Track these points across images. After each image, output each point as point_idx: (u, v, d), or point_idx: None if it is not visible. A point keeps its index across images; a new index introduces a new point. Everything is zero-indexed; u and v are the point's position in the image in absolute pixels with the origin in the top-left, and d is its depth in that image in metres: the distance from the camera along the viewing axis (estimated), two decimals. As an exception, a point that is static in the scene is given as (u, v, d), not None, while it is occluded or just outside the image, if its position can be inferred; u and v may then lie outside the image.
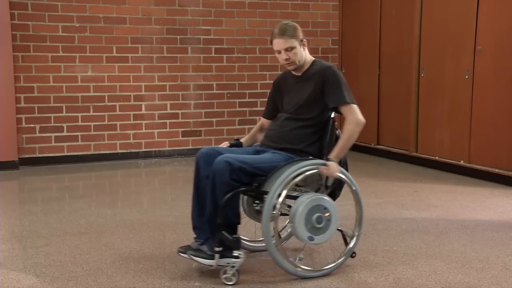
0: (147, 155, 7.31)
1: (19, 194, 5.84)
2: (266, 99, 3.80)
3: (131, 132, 7.23)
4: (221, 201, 3.13)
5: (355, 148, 7.80)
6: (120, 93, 7.13)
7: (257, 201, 3.38)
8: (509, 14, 5.60)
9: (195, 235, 3.39)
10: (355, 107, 3.36)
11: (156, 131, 7.34)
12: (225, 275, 3.20)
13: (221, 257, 3.17)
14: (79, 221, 4.51)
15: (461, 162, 6.19)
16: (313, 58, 3.50)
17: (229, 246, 3.17)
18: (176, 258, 3.61)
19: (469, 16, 5.98)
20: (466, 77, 6.04)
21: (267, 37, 8.11)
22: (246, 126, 7.55)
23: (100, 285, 3.22)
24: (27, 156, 6.77)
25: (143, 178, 6.54)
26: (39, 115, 6.82)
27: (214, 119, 7.57)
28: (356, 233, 3.46)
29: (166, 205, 5.09)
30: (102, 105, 7.06)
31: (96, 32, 6.96)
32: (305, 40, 3.42)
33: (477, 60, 5.93)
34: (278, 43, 3.37)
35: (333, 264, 3.38)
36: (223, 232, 3.14)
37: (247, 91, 7.55)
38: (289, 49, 3.35)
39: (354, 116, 3.34)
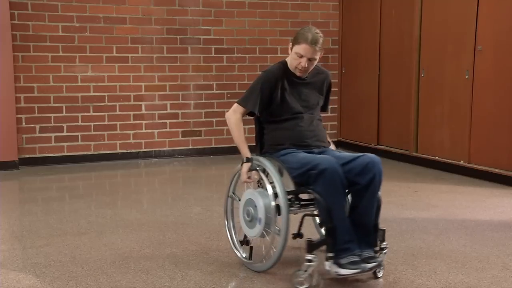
0: (147, 155, 7.31)
1: (19, 194, 5.84)
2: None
3: (131, 132, 7.23)
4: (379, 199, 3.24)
5: (355, 148, 7.82)
6: (120, 93, 7.13)
7: None
8: (509, 14, 5.60)
9: (345, 248, 3.11)
10: None
11: (156, 131, 7.34)
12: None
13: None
14: (79, 221, 4.51)
15: (461, 162, 6.19)
16: None
17: None
18: (176, 258, 3.62)
19: (469, 16, 5.98)
20: (466, 77, 6.04)
21: (267, 37, 8.05)
22: (246, 126, 7.48)
23: (100, 285, 3.23)
24: (27, 156, 6.77)
25: (143, 178, 6.54)
26: (39, 115, 6.82)
27: (214, 119, 7.57)
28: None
29: (166, 205, 5.09)
30: (102, 105, 7.06)
31: (96, 32, 6.96)
32: (323, 51, 3.43)
33: (477, 60, 5.93)
34: (308, 51, 3.32)
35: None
36: (380, 229, 3.29)
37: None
38: (313, 59, 3.38)
39: None
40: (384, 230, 3.28)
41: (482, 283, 3.24)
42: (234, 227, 3.63)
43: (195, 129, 7.52)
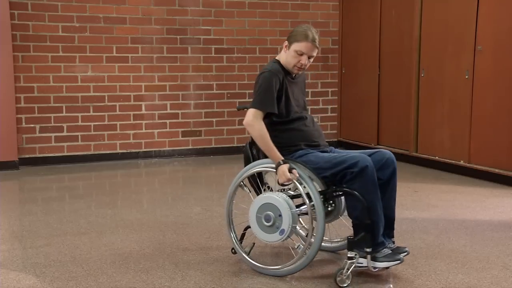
0: (147, 155, 7.31)
1: (19, 194, 5.84)
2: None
3: (131, 132, 7.23)
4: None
5: (355, 148, 7.82)
6: (120, 93, 7.13)
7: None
8: (509, 14, 5.60)
9: (380, 242, 3.26)
10: None
11: (156, 131, 7.34)
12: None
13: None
14: (79, 221, 4.51)
15: (461, 162, 6.19)
16: None
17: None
18: (176, 258, 3.62)
19: (469, 16, 5.98)
20: (466, 77, 6.04)
21: (267, 37, 8.07)
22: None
23: (100, 285, 3.23)
24: (27, 156, 6.77)
25: (143, 178, 6.54)
26: (39, 115, 6.82)
27: (214, 119, 7.57)
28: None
29: (166, 205, 5.09)
30: (102, 105, 7.06)
31: (96, 32, 6.96)
32: None
33: (477, 60, 5.93)
34: (309, 48, 3.36)
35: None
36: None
37: (247, 91, 7.54)
38: (311, 57, 3.41)
39: None
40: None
41: (482, 283, 3.24)
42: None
43: (195, 129, 7.52)
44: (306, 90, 3.85)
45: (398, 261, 3.23)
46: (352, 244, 3.17)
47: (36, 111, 6.80)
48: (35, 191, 5.79)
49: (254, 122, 3.35)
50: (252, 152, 3.51)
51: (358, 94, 7.72)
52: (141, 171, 6.80)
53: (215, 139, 7.60)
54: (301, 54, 3.35)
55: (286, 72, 3.45)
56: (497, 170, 5.78)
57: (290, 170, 3.19)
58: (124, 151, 7.22)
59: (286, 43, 3.42)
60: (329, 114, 8.08)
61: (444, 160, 6.43)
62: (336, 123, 8.14)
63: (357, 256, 3.17)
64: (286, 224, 3.20)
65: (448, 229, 4.28)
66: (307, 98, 3.79)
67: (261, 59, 7.63)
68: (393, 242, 3.37)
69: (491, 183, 5.74)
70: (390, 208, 3.37)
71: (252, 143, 3.51)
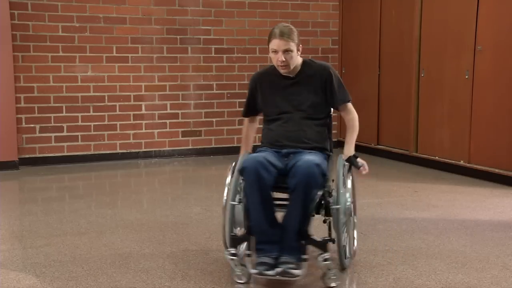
0: (147, 155, 7.31)
1: (19, 194, 5.84)
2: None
3: (131, 132, 7.23)
4: (312, 206, 3.13)
5: (355, 148, 7.80)
6: (120, 93, 7.13)
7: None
8: (509, 14, 5.60)
9: (259, 249, 3.15)
10: (351, 104, 3.64)
11: (156, 131, 7.34)
12: (327, 278, 3.13)
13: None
14: (79, 221, 4.51)
15: (461, 162, 6.19)
16: (302, 59, 3.52)
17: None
18: (176, 258, 3.62)
19: (469, 16, 5.98)
20: (466, 77, 6.04)
21: (267, 37, 8.06)
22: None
23: (100, 285, 3.22)
24: (27, 156, 6.77)
25: (143, 178, 6.54)
26: (39, 115, 6.82)
27: (214, 119, 7.57)
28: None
29: (166, 205, 5.09)
30: (102, 105, 7.06)
31: (96, 32, 6.96)
32: (301, 46, 3.44)
33: (477, 60, 5.93)
34: (278, 44, 3.35)
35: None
36: (312, 237, 3.15)
37: (247, 91, 7.52)
38: (287, 51, 3.35)
39: (354, 114, 3.62)
40: (325, 242, 3.14)
41: (482, 283, 3.24)
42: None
43: (195, 129, 7.52)
44: None
45: (266, 272, 3.02)
46: (233, 241, 3.19)
47: (36, 111, 6.80)
48: (35, 191, 5.79)
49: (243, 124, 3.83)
50: None
51: (358, 94, 7.70)
52: (141, 171, 6.80)
53: (215, 139, 7.60)
54: (275, 52, 3.37)
55: (277, 73, 3.49)
56: (497, 170, 5.78)
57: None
58: (124, 151, 7.22)
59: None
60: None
61: (444, 160, 6.43)
62: (336, 123, 8.10)
63: (238, 255, 3.17)
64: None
65: (448, 229, 4.27)
66: None
67: (261, 59, 7.63)
68: (300, 259, 3.09)
69: (491, 183, 5.74)
70: (291, 219, 3.13)
71: None
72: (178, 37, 7.32)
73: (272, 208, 3.20)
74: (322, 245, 3.14)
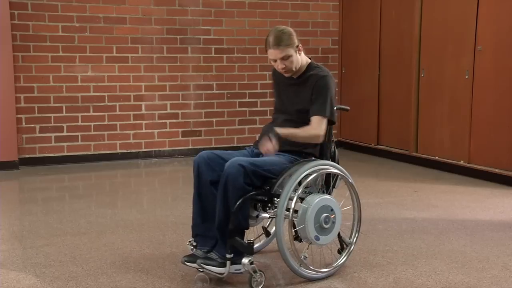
0: (147, 155, 7.31)
1: (19, 194, 5.84)
2: (266, 99, 3.79)
3: (131, 132, 7.23)
4: (234, 206, 3.06)
5: (355, 148, 7.83)
6: (120, 93, 7.13)
7: (269, 205, 3.27)
8: (509, 14, 5.60)
9: (194, 243, 3.30)
10: (325, 121, 3.33)
11: (156, 131, 7.34)
12: (254, 280, 3.13)
13: (232, 263, 3.11)
14: (79, 221, 4.51)
15: (461, 162, 6.19)
16: (309, 60, 3.45)
17: (239, 252, 3.10)
18: (176, 258, 3.61)
19: (469, 16, 5.99)
20: (466, 77, 6.04)
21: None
22: (246, 126, 7.55)
23: (100, 285, 3.23)
24: (27, 156, 6.77)
25: (143, 178, 6.54)
26: (39, 115, 6.82)
27: (214, 119, 7.57)
28: (354, 239, 3.49)
29: (166, 205, 5.09)
30: (102, 105, 7.06)
31: (96, 32, 6.96)
32: (300, 45, 3.36)
33: (477, 60, 5.93)
34: (274, 54, 3.30)
35: (331, 268, 3.38)
36: (236, 238, 3.08)
37: (247, 91, 7.54)
38: (285, 57, 3.30)
39: (319, 129, 3.31)
40: (251, 245, 3.11)
41: (482, 283, 3.24)
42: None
43: (195, 129, 7.52)
44: None
45: (188, 264, 3.25)
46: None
47: (36, 111, 6.80)
48: (35, 191, 5.79)
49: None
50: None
51: (358, 94, 7.72)
52: (141, 171, 6.80)
53: (215, 139, 7.59)
54: (275, 61, 3.35)
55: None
56: (497, 170, 5.78)
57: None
58: (124, 151, 7.22)
59: None
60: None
61: (444, 160, 6.43)
62: (336, 123, 8.13)
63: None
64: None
65: (448, 229, 4.28)
66: None
67: (261, 59, 7.63)
68: (224, 257, 3.12)
69: (491, 183, 5.74)
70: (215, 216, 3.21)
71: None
72: (178, 37, 7.32)
73: (209, 203, 3.24)
74: (247, 248, 3.11)
